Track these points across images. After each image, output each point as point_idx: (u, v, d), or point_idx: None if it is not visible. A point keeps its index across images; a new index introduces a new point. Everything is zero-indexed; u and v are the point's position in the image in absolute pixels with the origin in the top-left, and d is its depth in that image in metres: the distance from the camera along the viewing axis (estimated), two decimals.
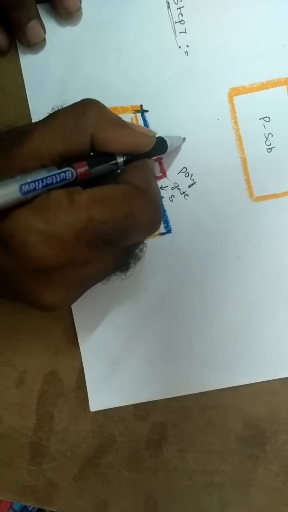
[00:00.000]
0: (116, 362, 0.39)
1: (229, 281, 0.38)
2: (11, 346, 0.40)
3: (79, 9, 0.38)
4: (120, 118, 0.30)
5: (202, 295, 0.38)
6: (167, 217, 0.38)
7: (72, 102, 0.38)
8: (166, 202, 0.38)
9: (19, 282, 0.28)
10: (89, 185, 0.29)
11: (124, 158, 0.30)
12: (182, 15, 0.38)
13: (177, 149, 0.38)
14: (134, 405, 0.39)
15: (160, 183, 0.38)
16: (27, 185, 0.26)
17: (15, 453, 0.40)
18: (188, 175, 0.38)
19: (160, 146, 0.34)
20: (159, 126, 0.38)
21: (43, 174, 0.27)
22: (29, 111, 0.39)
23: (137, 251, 0.33)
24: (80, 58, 0.38)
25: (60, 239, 0.26)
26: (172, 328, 0.39)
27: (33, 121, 0.38)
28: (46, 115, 0.30)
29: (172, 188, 0.38)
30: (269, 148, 0.38)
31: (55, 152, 0.28)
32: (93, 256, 0.28)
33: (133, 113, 0.38)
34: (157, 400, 0.39)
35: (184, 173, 0.38)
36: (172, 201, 0.38)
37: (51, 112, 0.30)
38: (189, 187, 0.38)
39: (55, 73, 0.38)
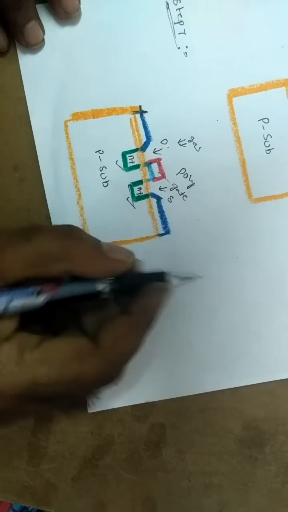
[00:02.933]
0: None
1: (227, 282, 0.38)
2: None
3: (78, 9, 0.38)
4: (97, 246, 0.29)
5: (201, 296, 0.38)
6: (165, 218, 0.38)
7: (72, 103, 0.38)
8: (165, 203, 0.38)
9: None
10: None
11: (105, 288, 0.29)
12: (181, 16, 0.38)
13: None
14: (133, 406, 0.39)
15: (159, 184, 0.38)
16: None
17: (14, 454, 0.40)
18: (187, 176, 0.38)
19: (159, 278, 0.31)
20: (158, 127, 0.38)
21: (5, 298, 0.26)
22: (28, 111, 0.39)
23: (88, 400, 0.33)
24: (79, 59, 0.38)
25: (0, 395, 0.26)
26: (171, 329, 0.39)
27: (32, 121, 0.38)
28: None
29: (171, 189, 0.38)
30: (268, 150, 0.38)
31: (22, 276, 0.27)
32: (34, 407, 0.28)
33: (132, 114, 0.38)
34: (156, 401, 0.39)
35: (183, 174, 0.38)
36: (171, 202, 0.38)
37: (26, 227, 0.28)
38: (188, 188, 0.38)
39: (54, 74, 0.38)
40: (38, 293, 0.27)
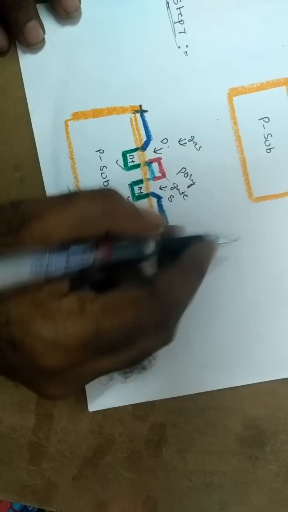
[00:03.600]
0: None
1: (228, 282, 0.38)
2: None
3: (78, 9, 0.38)
4: (135, 209, 0.30)
5: (201, 295, 0.38)
6: (166, 217, 0.38)
7: (72, 102, 0.38)
8: (165, 203, 0.38)
9: (24, 375, 0.28)
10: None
11: (152, 250, 0.30)
12: (181, 15, 0.38)
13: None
14: (133, 405, 0.39)
15: (159, 183, 0.38)
16: (39, 267, 0.26)
17: (14, 453, 0.40)
18: (187, 175, 0.38)
19: (198, 239, 0.33)
20: (158, 126, 0.38)
21: (60, 258, 0.26)
22: (28, 111, 0.39)
23: (145, 362, 0.33)
24: (80, 58, 0.38)
25: (67, 348, 0.26)
26: None
27: (33, 120, 0.38)
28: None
29: (171, 188, 0.38)
30: (269, 149, 0.38)
31: (67, 238, 0.27)
32: (98, 359, 0.28)
33: (132, 113, 0.38)
34: (156, 400, 0.39)
35: (183, 173, 0.38)
36: (171, 201, 0.38)
37: (66, 193, 0.29)
38: (188, 187, 0.38)
39: (55, 73, 0.38)
40: (93, 253, 0.28)
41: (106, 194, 0.29)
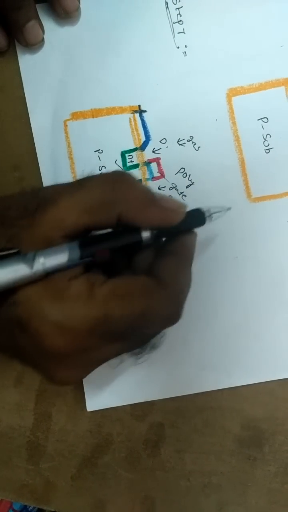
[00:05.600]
0: (114, 362, 0.39)
1: (226, 282, 0.38)
2: None
3: (77, 9, 0.38)
4: (149, 194, 0.29)
5: (200, 295, 0.38)
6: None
7: (71, 102, 0.38)
8: None
9: (32, 357, 0.28)
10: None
11: (150, 235, 0.29)
12: (180, 16, 0.38)
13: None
14: (132, 405, 0.39)
15: (158, 183, 0.38)
16: (41, 265, 0.26)
17: (13, 452, 0.40)
18: (186, 175, 0.38)
19: (196, 219, 0.32)
20: (157, 127, 0.38)
21: (61, 255, 0.27)
22: (27, 111, 0.39)
23: (154, 340, 0.33)
24: (79, 58, 0.39)
25: (73, 331, 0.26)
26: (169, 328, 0.38)
27: (32, 120, 0.39)
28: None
29: (170, 189, 0.38)
30: (267, 149, 0.38)
31: (80, 224, 0.27)
32: (105, 345, 0.28)
33: (131, 113, 0.38)
34: (154, 400, 0.39)
35: (182, 174, 0.38)
36: None
37: (80, 178, 0.29)
38: (187, 187, 0.38)
39: (54, 73, 0.39)
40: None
41: (118, 178, 0.29)
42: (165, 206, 0.29)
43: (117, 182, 0.28)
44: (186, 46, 0.38)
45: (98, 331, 0.27)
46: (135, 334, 0.29)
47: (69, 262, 0.27)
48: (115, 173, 0.29)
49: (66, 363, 0.28)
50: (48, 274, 0.27)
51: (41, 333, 0.26)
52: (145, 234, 0.29)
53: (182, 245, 0.31)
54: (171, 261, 0.30)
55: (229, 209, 0.35)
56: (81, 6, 0.38)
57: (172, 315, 0.30)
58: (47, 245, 0.27)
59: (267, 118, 0.38)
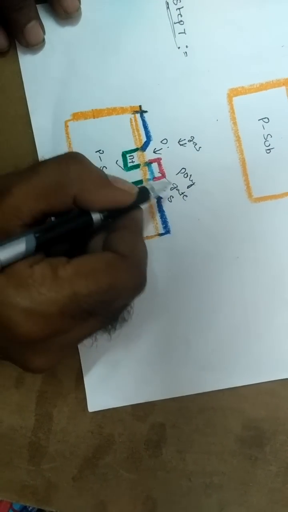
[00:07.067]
0: (115, 363, 0.39)
1: (227, 282, 0.38)
2: None
3: (78, 9, 0.38)
4: (102, 175, 0.30)
5: (201, 296, 0.38)
6: (166, 218, 0.38)
7: (72, 103, 0.38)
8: (165, 203, 0.38)
9: (7, 349, 0.28)
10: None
11: (101, 217, 0.30)
12: (181, 16, 0.38)
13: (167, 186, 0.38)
14: (133, 405, 0.39)
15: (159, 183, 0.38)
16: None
17: (14, 453, 0.40)
18: (187, 175, 0.38)
19: (142, 196, 0.33)
20: (158, 127, 0.38)
21: (18, 246, 0.27)
22: (28, 111, 0.39)
23: (124, 313, 0.33)
24: (79, 59, 0.38)
25: (44, 315, 0.26)
26: (171, 329, 0.39)
27: (33, 121, 0.38)
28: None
29: (171, 189, 0.38)
30: (268, 149, 0.38)
31: (36, 210, 0.28)
32: (78, 325, 0.28)
33: (132, 114, 0.38)
34: (156, 400, 0.39)
35: (183, 174, 0.38)
36: (171, 201, 0.38)
37: (32, 164, 0.29)
38: (188, 187, 0.38)
39: (54, 74, 0.38)
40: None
41: (71, 159, 0.29)
42: (118, 187, 0.30)
43: (71, 164, 0.29)
44: (187, 47, 0.38)
45: (69, 312, 0.27)
46: (105, 310, 0.29)
47: (27, 253, 0.27)
48: (67, 155, 0.30)
49: (41, 349, 0.28)
50: (8, 265, 0.27)
51: (12, 322, 0.26)
52: (96, 216, 0.30)
53: (132, 219, 0.32)
54: (125, 235, 0.31)
55: (171, 183, 0.37)
56: (81, 6, 0.38)
57: (138, 284, 0.30)
58: (5, 235, 0.27)
59: (268, 118, 0.38)
